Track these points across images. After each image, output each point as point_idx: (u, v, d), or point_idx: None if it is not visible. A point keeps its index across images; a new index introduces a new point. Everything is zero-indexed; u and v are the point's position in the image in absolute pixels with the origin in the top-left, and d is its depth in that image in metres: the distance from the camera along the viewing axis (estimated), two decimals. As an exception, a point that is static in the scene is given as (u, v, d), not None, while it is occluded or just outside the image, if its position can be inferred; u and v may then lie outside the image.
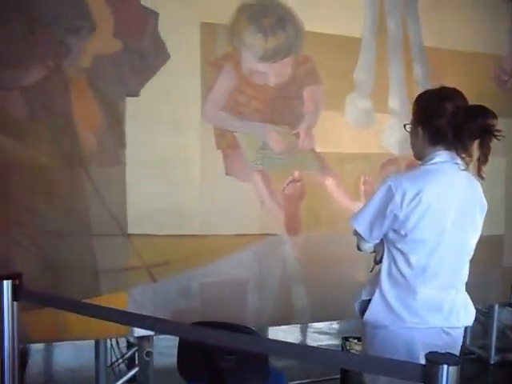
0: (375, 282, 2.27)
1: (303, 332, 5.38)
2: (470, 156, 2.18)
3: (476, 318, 4.58)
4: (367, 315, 2.24)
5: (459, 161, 2.18)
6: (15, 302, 2.30)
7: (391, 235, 2.21)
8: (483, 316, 4.67)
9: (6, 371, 2.30)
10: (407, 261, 2.19)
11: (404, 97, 3.79)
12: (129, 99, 3.10)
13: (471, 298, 2.32)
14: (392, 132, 3.76)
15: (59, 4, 2.98)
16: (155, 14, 3.13)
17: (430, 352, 1.51)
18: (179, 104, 3.20)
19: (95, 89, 3.05)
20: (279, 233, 3.45)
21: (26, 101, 2.96)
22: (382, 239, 2.27)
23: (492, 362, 4.54)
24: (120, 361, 3.72)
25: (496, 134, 2.13)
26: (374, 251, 2.34)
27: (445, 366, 1.46)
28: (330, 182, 3.56)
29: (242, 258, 3.34)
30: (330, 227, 3.55)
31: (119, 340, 3.74)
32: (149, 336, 3.34)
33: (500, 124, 4.03)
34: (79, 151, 3.03)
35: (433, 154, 2.20)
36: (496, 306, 4.54)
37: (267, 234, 3.42)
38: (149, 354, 3.22)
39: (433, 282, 2.18)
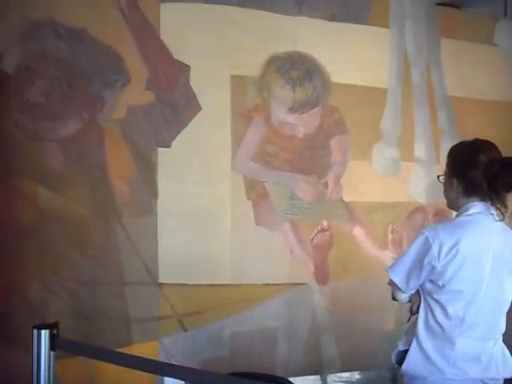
0: (411, 332, 2.25)
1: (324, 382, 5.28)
2: (506, 207, 2.18)
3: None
4: (405, 366, 2.21)
5: (494, 211, 2.19)
6: (52, 352, 2.32)
7: (428, 286, 2.20)
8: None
9: (42, 422, 2.30)
10: (445, 311, 2.17)
11: (430, 145, 3.83)
12: (161, 150, 3.17)
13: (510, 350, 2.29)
14: (418, 180, 3.79)
15: (96, 58, 3.08)
16: (187, 67, 3.23)
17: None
18: (210, 155, 3.26)
19: (128, 140, 3.13)
20: (308, 282, 3.46)
21: (63, 152, 3.04)
22: (417, 289, 2.27)
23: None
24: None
25: None
26: (410, 301, 2.33)
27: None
28: (358, 231, 3.57)
29: (272, 307, 3.35)
30: (359, 276, 3.56)
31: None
32: (179, 386, 3.32)
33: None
34: (113, 201, 3.09)
35: (468, 205, 2.20)
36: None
37: (296, 284, 3.42)
38: (178, 404, 3.19)
39: (471, 332, 2.17)
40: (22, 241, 2.97)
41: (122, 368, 2.98)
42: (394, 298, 2.33)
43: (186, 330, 3.19)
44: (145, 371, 2.25)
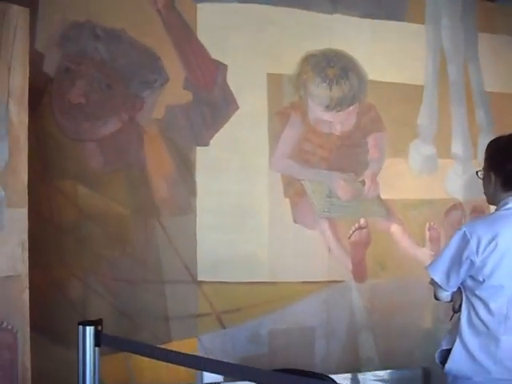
0: (455, 331, 2.24)
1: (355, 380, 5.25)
2: None
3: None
4: (448, 365, 2.21)
5: None
6: (97, 348, 2.36)
7: (469, 282, 2.19)
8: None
9: (88, 417, 2.34)
10: (487, 308, 2.16)
11: (467, 142, 3.79)
12: (199, 149, 3.20)
13: None
14: (456, 177, 3.76)
15: (134, 59, 3.12)
16: (224, 66, 3.25)
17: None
18: (248, 153, 3.28)
19: (167, 139, 3.17)
20: (346, 280, 3.45)
21: (102, 152, 3.09)
22: (459, 287, 2.24)
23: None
24: (186, 407, 3.72)
25: None
26: (452, 300, 2.31)
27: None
28: (395, 229, 3.55)
29: (310, 305, 3.35)
30: (396, 274, 3.54)
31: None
32: (217, 383, 3.35)
33: None
34: (152, 200, 3.13)
35: (507, 199, 2.20)
36: None
37: (334, 281, 3.42)
38: (218, 400, 3.21)
39: None
40: (63, 239, 3.04)
41: (161, 364, 3.04)
42: (436, 297, 2.33)
43: (224, 328, 3.22)
44: (186, 366, 2.28)
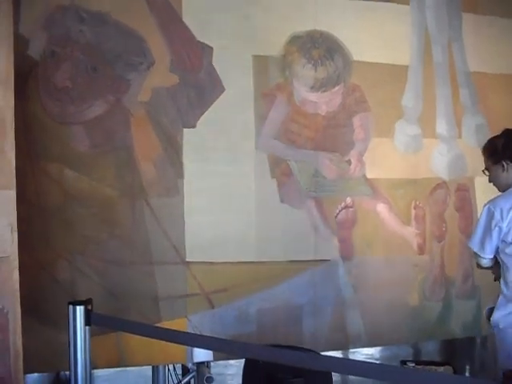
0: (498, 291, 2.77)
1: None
2: None
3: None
4: (493, 318, 2.73)
5: None
6: (87, 327, 2.40)
7: (501, 245, 2.73)
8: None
9: (79, 394, 2.39)
10: None
11: (452, 122, 3.83)
12: (186, 131, 3.22)
13: None
14: (440, 157, 3.80)
15: (120, 41, 3.13)
16: (210, 49, 3.26)
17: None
18: (234, 134, 3.30)
19: (154, 121, 3.18)
20: (333, 258, 3.49)
21: (89, 134, 3.10)
22: (497, 260, 2.78)
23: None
24: (177, 387, 3.77)
25: None
26: (492, 267, 2.85)
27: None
28: (381, 208, 3.60)
29: (298, 284, 3.39)
30: (382, 252, 3.59)
31: (175, 367, 3.80)
32: (207, 362, 3.40)
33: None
34: (139, 182, 3.14)
35: None
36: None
37: (321, 260, 3.46)
38: (209, 379, 3.27)
39: None
40: (50, 221, 3.05)
41: (152, 345, 3.08)
42: (479, 266, 2.89)
43: (213, 307, 3.25)
44: (176, 343, 2.32)
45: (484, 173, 2.92)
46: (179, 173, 3.20)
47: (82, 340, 2.38)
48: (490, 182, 2.93)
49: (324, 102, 3.46)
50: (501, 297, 2.74)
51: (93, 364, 3.01)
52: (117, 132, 3.14)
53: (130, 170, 3.15)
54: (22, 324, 2.62)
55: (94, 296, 2.68)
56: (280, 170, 3.39)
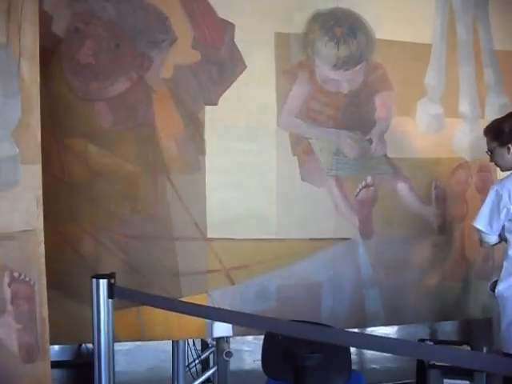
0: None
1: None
2: None
3: None
4: (497, 289, 2.95)
5: None
6: (110, 300, 2.45)
7: (507, 225, 2.92)
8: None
9: (102, 365, 2.44)
10: None
11: (475, 101, 3.79)
12: (208, 108, 3.23)
13: None
14: (463, 136, 3.77)
15: (142, 18, 3.14)
16: (231, 26, 3.26)
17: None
18: (256, 112, 3.31)
19: (176, 98, 3.20)
20: (353, 237, 3.50)
21: (112, 111, 3.13)
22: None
23: None
24: (196, 361, 3.83)
25: None
26: (499, 243, 3.06)
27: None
28: (401, 187, 3.59)
29: (317, 262, 3.41)
30: (402, 231, 3.58)
31: (195, 342, 3.87)
32: (227, 337, 3.44)
33: None
34: (161, 158, 3.17)
35: None
36: None
37: (341, 239, 3.47)
38: (228, 354, 3.32)
39: None
40: (75, 196, 3.10)
41: (172, 319, 3.13)
42: (484, 244, 3.12)
43: (233, 284, 3.29)
44: (196, 316, 2.36)
45: (487, 153, 3.10)
46: (201, 149, 3.22)
47: (105, 313, 2.42)
48: (491, 161, 3.15)
49: (346, 81, 3.45)
50: (503, 270, 2.96)
51: (115, 337, 3.10)
52: (139, 109, 3.17)
53: (152, 146, 3.18)
54: (47, 296, 2.68)
55: (116, 270, 2.72)
56: (301, 148, 3.39)
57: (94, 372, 2.49)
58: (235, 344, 4.43)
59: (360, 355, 4.97)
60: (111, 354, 2.45)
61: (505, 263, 2.97)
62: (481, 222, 2.98)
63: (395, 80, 3.57)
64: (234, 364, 3.97)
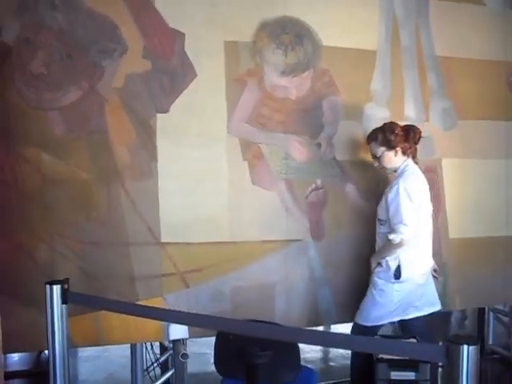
0: None
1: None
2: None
3: (498, 318, 4.71)
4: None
5: None
6: (64, 305, 2.50)
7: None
8: (506, 316, 4.78)
9: (57, 370, 2.49)
10: None
11: (419, 105, 3.94)
12: (159, 115, 3.30)
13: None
14: (409, 139, 3.89)
15: (93, 29, 3.19)
16: (182, 35, 3.33)
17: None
18: (206, 119, 3.39)
19: (128, 107, 3.26)
20: (304, 238, 3.61)
21: (65, 120, 3.18)
22: None
23: (515, 362, 4.63)
24: (155, 365, 3.88)
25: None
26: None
27: (465, 346, 1.61)
28: (350, 189, 3.70)
29: (270, 263, 3.50)
30: (352, 230, 3.70)
31: (153, 345, 3.92)
32: (183, 339, 3.51)
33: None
34: (114, 166, 3.24)
35: (405, 163, 3.45)
36: (517, 306, 4.62)
37: (292, 240, 3.58)
38: (184, 355, 3.38)
39: None
40: (29, 204, 3.14)
41: (129, 323, 3.18)
42: (400, 242, 3.30)
43: (188, 287, 3.36)
44: (150, 318, 2.42)
45: (373, 158, 3.49)
46: (153, 156, 3.29)
47: (59, 318, 2.47)
48: (377, 165, 3.51)
49: (294, 87, 3.55)
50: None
51: (72, 343, 3.13)
52: (92, 117, 3.22)
53: (105, 154, 3.23)
54: (2, 305, 2.71)
55: (72, 277, 2.77)
56: (251, 153, 3.48)
57: (50, 377, 2.53)
58: (196, 347, 4.50)
59: (326, 353, 5.10)
60: (66, 358, 2.49)
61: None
62: (400, 218, 3.28)
63: (342, 85, 3.69)
64: (195, 366, 4.04)
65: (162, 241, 3.31)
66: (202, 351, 4.71)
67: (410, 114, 3.92)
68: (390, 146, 3.42)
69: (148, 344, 3.81)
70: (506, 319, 4.80)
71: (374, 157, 3.49)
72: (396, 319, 3.48)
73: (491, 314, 4.84)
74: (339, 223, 3.63)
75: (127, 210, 3.24)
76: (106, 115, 3.23)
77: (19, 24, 3.10)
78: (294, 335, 2.14)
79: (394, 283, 3.37)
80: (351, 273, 3.68)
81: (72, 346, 3.32)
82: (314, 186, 3.61)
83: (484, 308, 4.83)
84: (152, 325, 3.24)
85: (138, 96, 3.27)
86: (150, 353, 3.85)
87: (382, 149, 3.43)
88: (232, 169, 3.44)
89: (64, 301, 2.46)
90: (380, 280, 3.41)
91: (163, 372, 3.90)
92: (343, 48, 3.68)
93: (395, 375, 2.99)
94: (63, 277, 2.66)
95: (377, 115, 3.79)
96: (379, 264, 3.41)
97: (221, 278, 3.41)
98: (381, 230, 3.45)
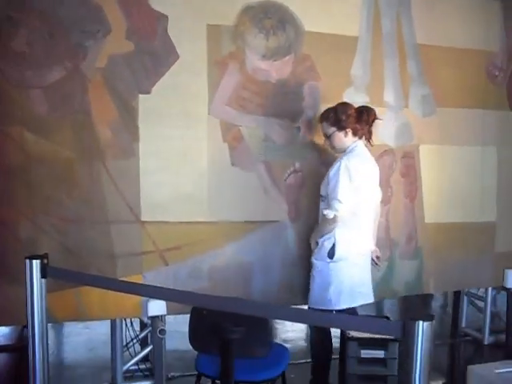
0: None
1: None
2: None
3: (472, 302, 4.83)
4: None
5: None
6: (43, 280, 2.56)
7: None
8: (479, 300, 4.91)
9: (36, 345, 2.56)
10: None
11: (399, 91, 4.01)
12: (141, 96, 3.35)
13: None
14: (387, 125, 3.97)
15: (76, 9, 3.23)
16: (165, 17, 3.37)
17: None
18: (188, 100, 3.44)
19: (110, 87, 3.31)
20: (281, 219, 3.69)
21: (48, 99, 3.21)
22: None
23: (486, 343, 4.75)
24: (134, 341, 3.97)
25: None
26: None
27: (420, 322, 1.70)
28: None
29: (248, 243, 3.58)
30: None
31: (133, 322, 4.00)
32: (161, 316, 3.58)
33: (491, 116, 4.30)
34: (96, 145, 3.29)
35: (354, 144, 3.47)
36: (490, 290, 4.74)
37: (270, 221, 3.66)
38: (162, 331, 3.45)
39: None
40: (12, 182, 3.19)
41: (109, 299, 3.25)
42: (332, 218, 3.34)
43: (167, 265, 3.44)
44: (131, 293, 2.49)
45: (324, 137, 3.51)
46: (135, 136, 3.35)
47: (38, 292, 2.53)
48: (328, 145, 3.54)
49: (275, 71, 3.61)
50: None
51: (52, 317, 3.21)
52: (75, 97, 3.26)
53: (88, 133, 3.28)
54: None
55: (54, 253, 2.84)
56: (231, 134, 3.54)
57: (29, 350, 2.59)
58: (178, 325, 4.58)
59: (307, 333, 5.20)
60: (45, 332, 2.55)
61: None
62: (336, 195, 3.31)
63: (322, 70, 3.75)
64: (174, 343, 4.12)
65: (142, 219, 3.37)
66: (182, 329, 4.80)
67: (389, 100, 3.99)
68: (341, 127, 3.44)
69: (128, 321, 3.89)
70: (479, 303, 4.93)
71: (325, 136, 3.51)
72: (344, 307, 3.38)
73: (465, 297, 4.98)
74: (316, 206, 3.70)
75: (108, 189, 3.30)
76: (89, 95, 3.27)
77: (2, 1, 3.12)
78: (264, 311, 2.22)
79: (329, 263, 3.40)
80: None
81: (53, 320, 3.41)
82: (292, 168, 3.68)
83: (460, 292, 4.96)
84: (131, 301, 3.31)
85: (120, 76, 3.31)
86: (130, 329, 3.93)
87: (333, 129, 3.45)
88: (212, 150, 3.50)
89: (43, 275, 2.52)
90: (317, 261, 3.47)
91: (142, 348, 3.98)
92: (325, 34, 3.74)
93: (365, 353, 3.10)
94: (44, 252, 2.72)
95: (356, 100, 3.84)
96: (317, 244, 3.46)
97: (199, 256, 3.48)
98: (322, 206, 3.48)
